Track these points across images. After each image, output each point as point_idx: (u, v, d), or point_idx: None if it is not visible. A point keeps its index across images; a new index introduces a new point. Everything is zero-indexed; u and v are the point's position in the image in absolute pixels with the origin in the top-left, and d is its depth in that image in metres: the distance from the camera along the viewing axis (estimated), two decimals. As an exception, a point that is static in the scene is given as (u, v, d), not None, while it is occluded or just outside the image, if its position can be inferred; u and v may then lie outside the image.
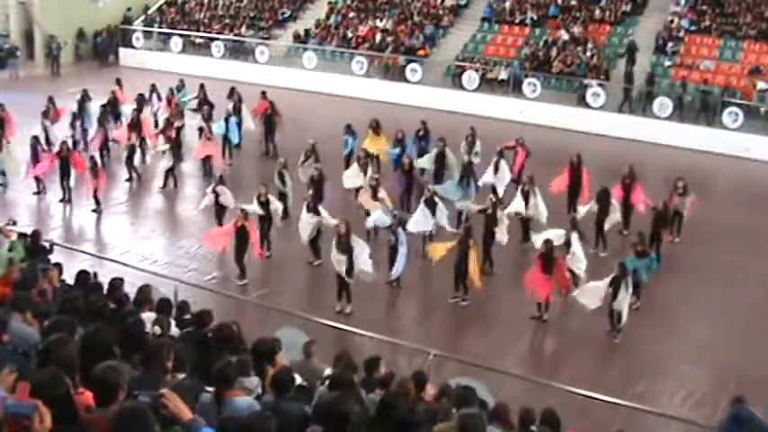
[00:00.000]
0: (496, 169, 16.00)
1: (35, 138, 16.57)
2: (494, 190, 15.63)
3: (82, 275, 8.93)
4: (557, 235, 12.46)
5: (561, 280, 11.94)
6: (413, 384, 6.32)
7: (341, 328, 10.44)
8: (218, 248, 13.42)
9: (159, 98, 20.97)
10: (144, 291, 8.38)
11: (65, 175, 16.06)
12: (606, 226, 14.23)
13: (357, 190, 15.31)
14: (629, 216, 14.91)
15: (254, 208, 13.35)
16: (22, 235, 10.84)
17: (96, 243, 14.87)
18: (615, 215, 14.31)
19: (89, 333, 4.92)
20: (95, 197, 15.84)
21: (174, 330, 7.39)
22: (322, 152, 16.42)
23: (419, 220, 13.68)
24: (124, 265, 11.79)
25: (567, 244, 12.41)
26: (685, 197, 14.68)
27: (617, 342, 11.57)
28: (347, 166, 16.78)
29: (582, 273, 12.34)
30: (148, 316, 7.26)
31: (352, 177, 15.80)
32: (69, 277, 9.19)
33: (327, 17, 30.10)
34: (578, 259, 12.38)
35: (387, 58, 27.12)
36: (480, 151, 16.85)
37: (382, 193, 14.24)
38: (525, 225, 14.45)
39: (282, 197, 14.76)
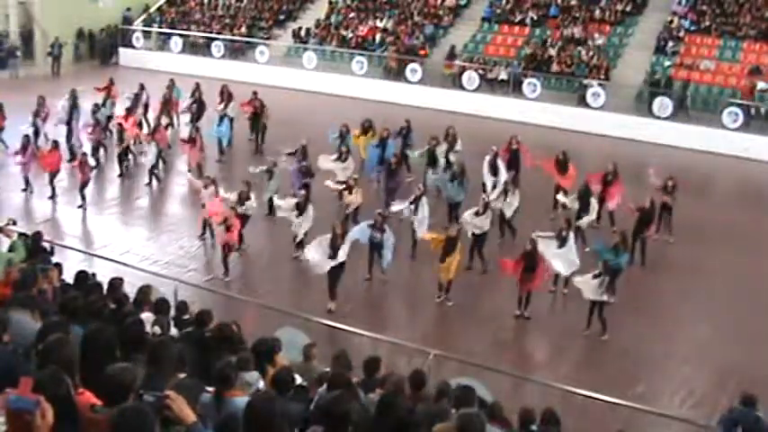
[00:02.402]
0: (494, 169, 15.95)
1: (26, 137, 16.58)
2: (484, 189, 15.67)
3: (81, 275, 8.93)
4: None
5: (539, 279, 12.05)
6: (409, 384, 6.31)
7: (340, 328, 10.44)
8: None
9: (148, 97, 20.95)
10: (144, 291, 8.37)
11: (54, 173, 16.10)
12: (583, 222, 14.15)
13: (341, 193, 15.32)
14: (613, 213, 14.93)
15: (227, 195, 13.62)
16: (22, 234, 10.82)
17: (95, 243, 14.86)
18: (592, 215, 14.25)
19: (90, 333, 4.92)
20: (82, 193, 15.88)
21: (173, 330, 7.38)
22: (321, 151, 16.43)
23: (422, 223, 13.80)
24: (124, 265, 11.76)
25: (563, 242, 12.44)
26: (674, 195, 14.67)
27: (605, 339, 11.60)
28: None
29: (575, 268, 12.44)
30: (147, 316, 7.25)
31: (326, 161, 16.10)
32: (69, 278, 9.18)
33: (327, 17, 30.11)
34: (573, 257, 12.46)
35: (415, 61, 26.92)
36: (461, 150, 16.84)
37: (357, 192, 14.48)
38: (501, 220, 14.59)
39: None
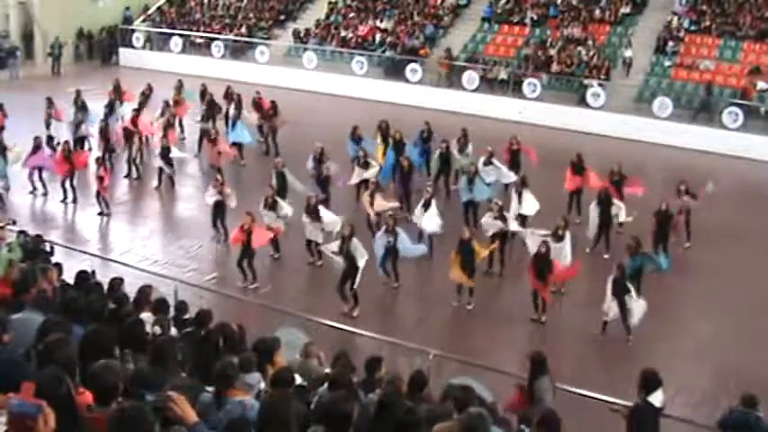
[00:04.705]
0: (486, 165, 15.87)
1: (38, 138, 16.60)
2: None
3: (81, 275, 8.93)
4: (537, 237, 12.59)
5: (558, 276, 12.13)
6: (409, 385, 6.30)
7: (341, 328, 10.45)
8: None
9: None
10: (144, 291, 8.37)
11: (67, 175, 16.08)
12: (621, 217, 14.24)
13: (357, 188, 15.28)
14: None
15: (276, 222, 13.32)
16: (21, 232, 10.83)
17: (96, 243, 14.87)
18: (622, 214, 14.32)
19: (88, 333, 4.92)
20: (104, 199, 15.82)
21: (173, 330, 7.38)
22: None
23: (431, 220, 13.73)
24: (124, 265, 11.80)
25: (559, 239, 12.49)
26: (688, 199, 14.65)
27: (630, 344, 11.57)
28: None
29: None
30: (147, 316, 7.25)
31: (356, 176, 15.83)
32: (70, 277, 9.18)
33: (327, 17, 30.10)
34: (565, 255, 12.58)
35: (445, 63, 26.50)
36: (471, 152, 16.85)
37: (380, 200, 14.25)
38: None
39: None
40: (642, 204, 14.45)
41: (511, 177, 15.84)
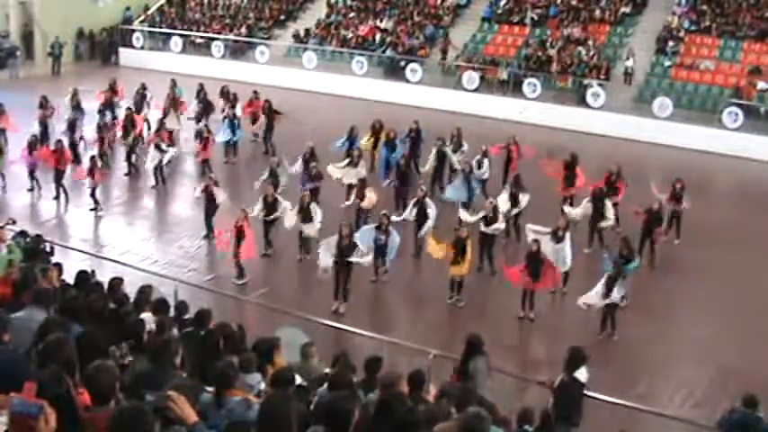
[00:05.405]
0: (479, 167, 15.96)
1: (34, 136, 16.61)
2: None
3: (82, 275, 8.93)
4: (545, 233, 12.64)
5: (549, 278, 12.13)
6: (408, 383, 6.30)
7: (341, 328, 10.45)
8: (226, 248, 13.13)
9: (150, 97, 20.89)
10: (144, 291, 8.38)
11: (59, 173, 16.10)
12: (603, 224, 14.21)
13: (350, 186, 15.31)
14: (617, 213, 14.95)
15: (258, 209, 13.36)
16: (21, 233, 10.82)
17: (96, 243, 14.86)
18: (609, 217, 14.25)
19: (82, 334, 4.93)
20: (93, 196, 15.83)
21: (174, 331, 7.38)
22: (321, 153, 16.42)
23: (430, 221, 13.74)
24: (124, 265, 11.79)
25: (558, 240, 12.49)
26: (682, 199, 14.66)
27: (615, 339, 11.59)
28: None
29: (566, 267, 12.66)
30: (147, 316, 7.26)
31: (339, 169, 15.81)
32: (69, 277, 9.18)
33: (327, 17, 30.11)
34: (565, 256, 12.56)
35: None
36: (467, 150, 16.89)
37: (370, 193, 14.34)
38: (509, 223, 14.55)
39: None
40: (643, 204, 14.39)
41: (484, 175, 15.98)
